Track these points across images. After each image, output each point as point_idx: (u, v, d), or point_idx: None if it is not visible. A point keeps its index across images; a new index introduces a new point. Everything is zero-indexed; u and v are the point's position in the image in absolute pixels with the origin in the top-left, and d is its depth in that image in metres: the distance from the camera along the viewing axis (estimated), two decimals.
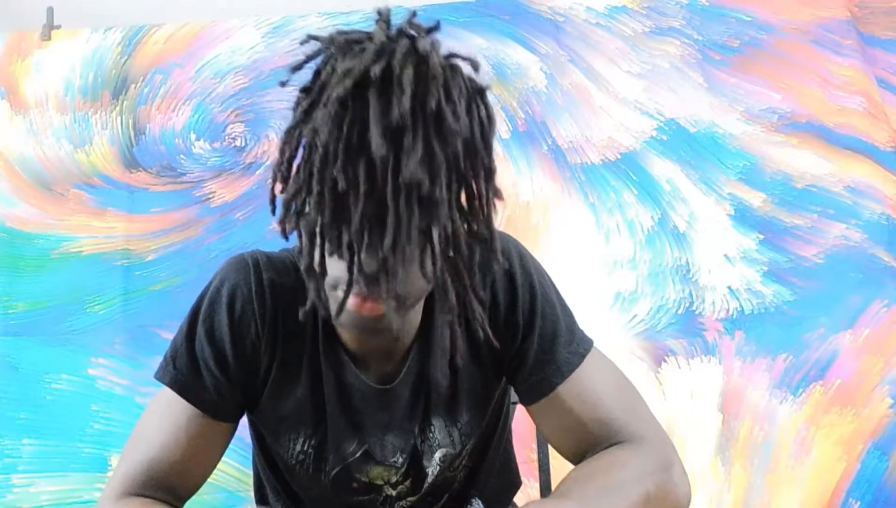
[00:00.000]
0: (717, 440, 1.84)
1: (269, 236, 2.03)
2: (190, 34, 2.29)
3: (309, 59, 0.66)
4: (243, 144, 2.16)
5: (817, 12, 2.21)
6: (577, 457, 0.83)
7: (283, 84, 0.67)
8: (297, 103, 0.66)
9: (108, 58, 2.28)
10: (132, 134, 2.20)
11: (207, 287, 0.85)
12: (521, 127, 2.15)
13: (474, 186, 0.65)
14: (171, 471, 0.82)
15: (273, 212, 0.68)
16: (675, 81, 2.17)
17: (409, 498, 0.92)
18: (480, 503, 0.97)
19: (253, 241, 1.99)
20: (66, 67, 2.27)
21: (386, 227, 0.60)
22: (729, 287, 1.96)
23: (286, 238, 0.67)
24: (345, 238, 0.63)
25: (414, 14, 0.65)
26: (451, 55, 0.65)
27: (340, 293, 0.67)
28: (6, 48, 2.30)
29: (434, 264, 0.64)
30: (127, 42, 2.29)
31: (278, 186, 0.66)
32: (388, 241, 0.60)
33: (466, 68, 0.65)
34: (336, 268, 0.66)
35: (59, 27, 2.34)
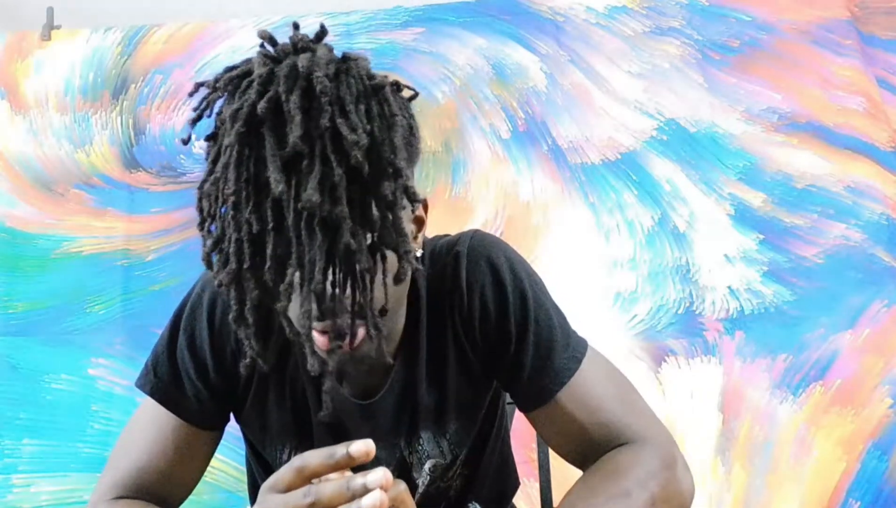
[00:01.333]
0: (717, 440, 1.84)
1: None
2: (190, 34, 2.29)
3: (206, 108, 0.64)
4: None
5: (817, 12, 2.21)
6: (579, 461, 0.83)
7: (184, 142, 0.65)
8: (207, 153, 0.64)
9: (108, 58, 2.28)
10: (132, 134, 2.20)
11: (188, 296, 0.85)
12: (521, 127, 2.15)
13: (382, 191, 0.61)
14: (159, 479, 0.82)
15: (210, 268, 0.64)
16: (675, 81, 2.17)
17: None
18: (478, 507, 0.97)
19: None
20: (66, 67, 2.27)
21: (289, 260, 0.58)
22: (729, 287, 1.96)
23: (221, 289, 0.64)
24: (263, 280, 0.60)
25: (296, 26, 0.63)
26: (343, 59, 0.62)
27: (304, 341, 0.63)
28: (6, 48, 2.30)
29: (337, 286, 0.61)
30: (127, 42, 2.29)
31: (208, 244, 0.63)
32: (290, 273, 0.58)
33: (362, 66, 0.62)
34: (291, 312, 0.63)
35: (59, 27, 2.34)
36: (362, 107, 0.60)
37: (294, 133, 0.57)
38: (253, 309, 0.62)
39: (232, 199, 0.59)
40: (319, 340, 0.68)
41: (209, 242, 0.62)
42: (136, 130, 2.20)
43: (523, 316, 0.82)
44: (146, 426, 0.83)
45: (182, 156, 2.16)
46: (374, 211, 0.62)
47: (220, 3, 2.51)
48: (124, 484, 0.81)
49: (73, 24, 2.36)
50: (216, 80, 0.62)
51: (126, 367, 1.95)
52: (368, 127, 0.60)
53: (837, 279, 1.94)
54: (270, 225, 0.59)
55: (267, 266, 0.59)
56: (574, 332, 0.86)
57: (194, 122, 0.65)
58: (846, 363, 1.86)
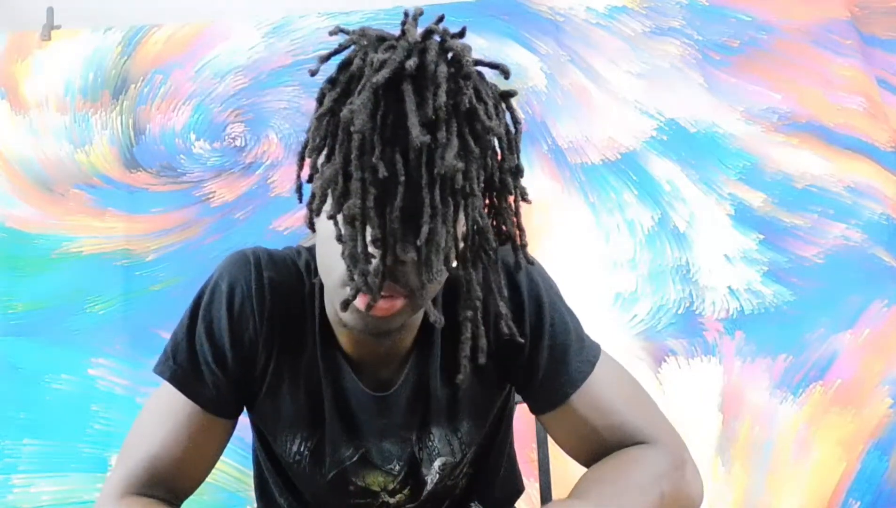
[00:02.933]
0: (717, 440, 1.84)
1: (268, 236, 2.03)
2: (190, 34, 2.29)
3: (339, 50, 0.66)
4: (243, 144, 2.16)
5: (817, 12, 2.21)
6: (591, 463, 0.83)
7: (312, 73, 0.66)
8: (323, 94, 0.66)
9: (108, 58, 2.28)
10: (132, 134, 2.20)
11: (207, 282, 0.85)
12: (522, 127, 2.14)
13: (501, 185, 0.67)
14: (173, 468, 0.81)
15: (300, 199, 0.68)
16: (675, 81, 2.16)
17: (409, 506, 0.91)
18: None
19: (253, 241, 1.97)
20: (66, 67, 2.27)
21: (422, 217, 0.61)
22: (729, 287, 1.96)
23: (312, 228, 0.68)
24: (386, 226, 0.63)
25: (442, 18, 0.66)
26: (478, 62, 0.66)
27: (349, 291, 0.67)
28: (6, 48, 2.30)
29: (464, 258, 0.65)
30: (127, 42, 2.29)
31: (305, 173, 0.67)
32: (424, 231, 0.61)
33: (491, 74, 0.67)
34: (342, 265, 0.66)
35: (59, 27, 2.34)
36: (493, 103, 0.65)
37: (440, 98, 0.60)
38: (364, 247, 0.63)
39: (357, 138, 0.61)
40: (382, 303, 0.69)
41: (328, 172, 0.63)
42: (136, 130, 2.20)
43: (538, 319, 0.83)
44: (161, 414, 0.83)
45: (182, 156, 2.16)
46: (495, 199, 0.67)
47: (220, 3, 2.51)
48: (136, 475, 0.80)
49: (73, 24, 2.35)
50: (360, 30, 0.65)
51: (126, 367, 1.95)
52: (498, 122, 0.65)
53: (837, 279, 1.94)
54: (402, 177, 0.61)
55: (395, 215, 0.62)
56: (588, 336, 0.87)
57: (325, 59, 0.67)
58: (846, 363, 1.86)
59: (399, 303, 0.69)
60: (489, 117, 0.63)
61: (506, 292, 0.82)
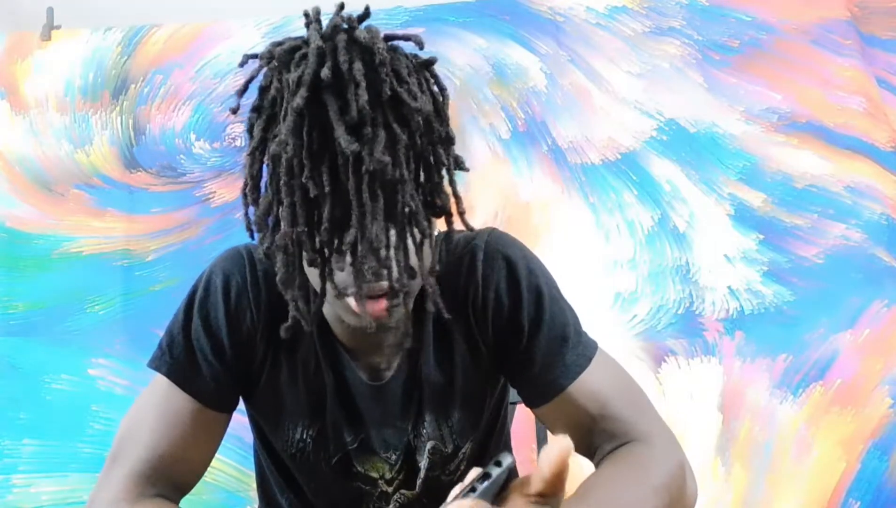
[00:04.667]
0: (717, 440, 1.84)
1: None
2: (190, 34, 2.29)
3: (252, 78, 0.67)
4: (243, 144, 2.16)
5: (817, 12, 2.21)
6: (587, 455, 0.84)
7: (234, 111, 0.69)
8: (251, 124, 0.68)
9: (108, 58, 2.28)
10: (132, 134, 2.20)
11: (201, 278, 0.85)
12: (521, 127, 2.15)
13: (432, 159, 0.67)
14: (175, 464, 0.81)
15: (251, 236, 0.69)
16: (675, 81, 2.16)
17: (403, 491, 0.92)
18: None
19: (253, 241, 1.99)
20: (66, 67, 2.27)
21: (351, 222, 0.62)
22: (729, 287, 1.96)
23: (268, 258, 0.68)
24: (318, 244, 0.64)
25: (341, 6, 0.65)
26: (390, 37, 0.66)
27: (351, 301, 0.69)
28: (6, 48, 2.30)
29: (397, 247, 0.65)
30: (127, 42, 2.29)
31: (251, 210, 0.68)
32: (351, 234, 0.62)
33: (408, 46, 0.67)
34: (339, 276, 0.67)
35: (59, 27, 2.34)
36: (414, 80, 0.64)
37: (361, 97, 0.60)
38: (299, 272, 0.65)
39: (284, 164, 0.62)
40: (369, 306, 0.70)
41: (262, 205, 0.65)
42: (136, 130, 2.20)
43: (537, 312, 0.83)
44: (158, 408, 0.82)
45: (182, 156, 2.16)
46: (424, 176, 0.67)
47: (220, 3, 2.51)
48: (140, 474, 0.80)
49: (73, 24, 2.36)
50: (268, 52, 0.65)
51: (126, 367, 1.95)
52: (423, 98, 0.64)
53: (837, 279, 1.93)
54: (327, 188, 0.62)
55: (323, 228, 0.62)
56: (585, 333, 0.87)
57: (242, 92, 0.69)
58: (846, 363, 1.86)
59: (383, 303, 0.70)
60: (413, 97, 0.63)
61: (504, 285, 0.84)
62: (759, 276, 1.96)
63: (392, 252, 0.64)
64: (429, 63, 0.67)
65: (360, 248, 0.62)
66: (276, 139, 0.63)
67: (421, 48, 0.67)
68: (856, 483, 1.78)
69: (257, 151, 0.66)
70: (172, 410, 0.82)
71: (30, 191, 2.15)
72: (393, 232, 0.64)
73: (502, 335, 0.84)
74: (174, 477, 0.82)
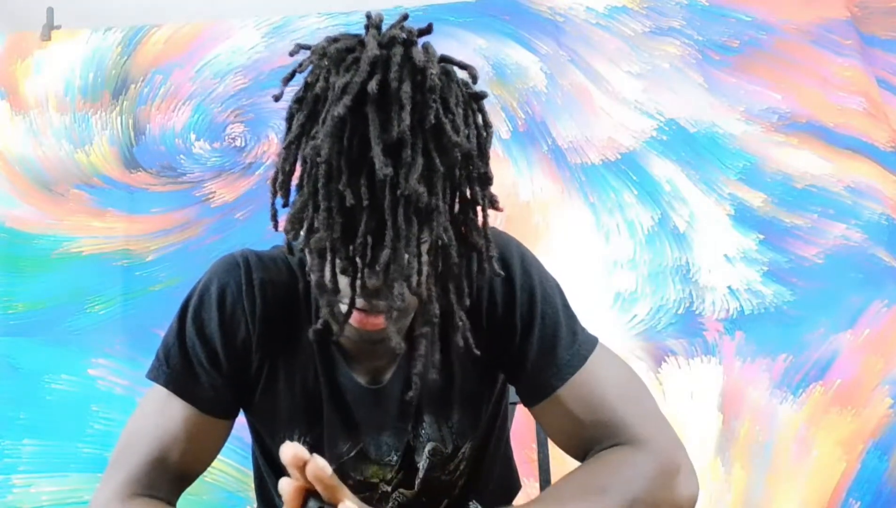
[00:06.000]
0: (717, 440, 1.84)
1: (268, 236, 2.01)
2: (190, 34, 2.29)
3: (300, 69, 0.66)
4: (243, 144, 2.16)
5: (817, 12, 2.21)
6: (580, 457, 0.83)
7: (276, 98, 0.68)
8: (291, 115, 0.66)
9: (108, 58, 2.28)
10: (132, 134, 2.20)
11: (196, 286, 0.85)
12: (521, 127, 2.14)
13: (469, 194, 0.66)
14: (172, 470, 0.82)
15: (276, 227, 0.68)
16: (675, 81, 2.16)
17: (402, 490, 0.92)
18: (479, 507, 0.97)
19: (253, 241, 1.97)
20: (66, 67, 2.27)
21: (385, 241, 0.61)
22: (729, 287, 1.96)
23: (291, 253, 0.69)
24: (351, 254, 0.63)
25: (405, 17, 0.64)
26: (445, 59, 0.65)
27: (344, 308, 0.68)
28: (6, 48, 2.30)
29: (420, 273, 0.64)
30: (127, 42, 2.29)
31: (279, 202, 0.67)
32: (385, 254, 0.61)
33: (461, 73, 0.66)
34: (340, 283, 0.67)
35: (59, 27, 2.34)
36: (461, 111, 0.64)
37: (404, 121, 0.59)
38: (332, 276, 0.64)
39: (324, 167, 0.61)
40: (370, 319, 0.71)
41: (297, 204, 0.64)
42: (136, 131, 2.20)
43: (529, 312, 0.83)
44: (157, 417, 0.83)
45: (182, 156, 2.16)
46: (459, 208, 0.66)
47: (220, 3, 2.51)
48: (138, 479, 0.80)
49: (73, 24, 2.36)
50: (321, 48, 0.65)
51: (126, 367, 1.95)
52: (466, 132, 0.63)
53: (837, 279, 1.93)
54: (365, 202, 0.61)
55: (358, 241, 0.62)
56: (583, 330, 0.86)
57: (287, 80, 0.67)
58: (846, 363, 1.86)
59: (385, 318, 0.69)
60: (455, 130, 0.62)
61: (498, 285, 0.83)
62: (759, 276, 1.96)
63: (424, 278, 0.64)
64: (479, 97, 0.67)
65: (392, 268, 0.61)
66: (314, 141, 0.62)
67: (475, 82, 0.66)
68: (856, 483, 1.78)
69: (293, 145, 0.65)
70: (170, 418, 0.82)
71: (30, 191, 2.15)
72: (425, 258, 0.64)
73: (496, 334, 0.84)
74: (172, 482, 0.83)
